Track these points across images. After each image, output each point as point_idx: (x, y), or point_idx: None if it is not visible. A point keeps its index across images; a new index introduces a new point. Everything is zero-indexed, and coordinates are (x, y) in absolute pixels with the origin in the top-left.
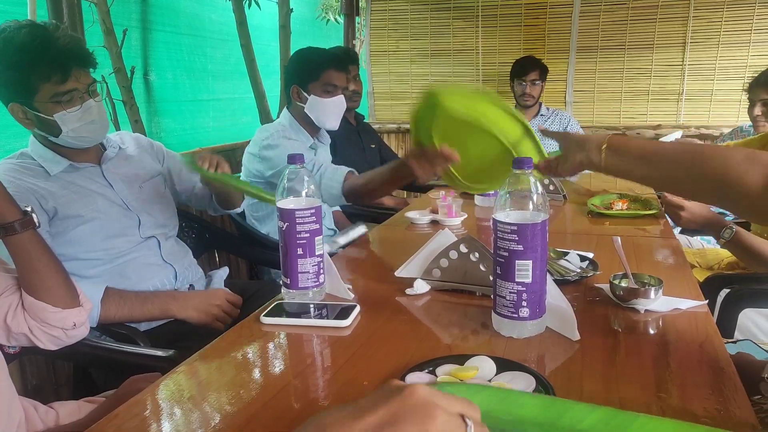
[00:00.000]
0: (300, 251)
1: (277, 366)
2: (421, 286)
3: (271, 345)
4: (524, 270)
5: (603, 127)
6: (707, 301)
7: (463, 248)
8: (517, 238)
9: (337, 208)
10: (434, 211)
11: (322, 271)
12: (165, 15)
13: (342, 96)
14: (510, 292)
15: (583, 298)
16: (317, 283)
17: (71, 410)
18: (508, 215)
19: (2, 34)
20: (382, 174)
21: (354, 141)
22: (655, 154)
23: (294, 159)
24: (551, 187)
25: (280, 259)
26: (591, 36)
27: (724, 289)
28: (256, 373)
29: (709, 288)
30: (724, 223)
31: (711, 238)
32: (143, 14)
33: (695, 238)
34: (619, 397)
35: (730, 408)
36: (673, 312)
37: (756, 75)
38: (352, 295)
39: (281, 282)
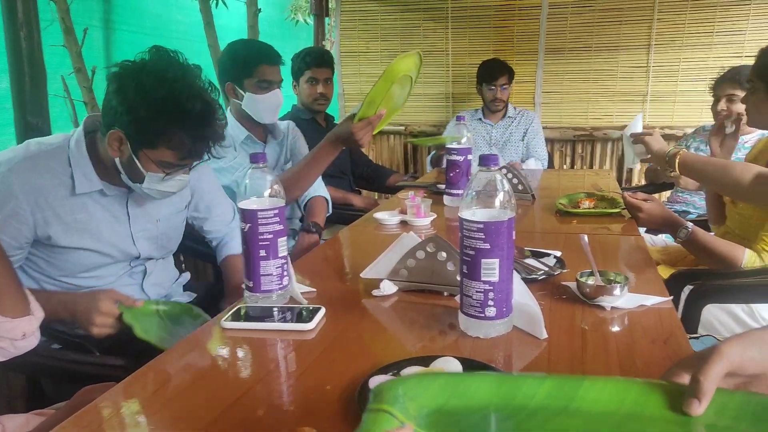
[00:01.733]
0: (263, 253)
1: (238, 372)
2: (387, 287)
3: (231, 350)
4: (491, 269)
5: (571, 128)
6: (671, 297)
7: (430, 248)
8: (483, 237)
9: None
10: (403, 212)
11: (285, 273)
12: (128, 14)
13: (278, 90)
14: (476, 291)
15: (550, 296)
16: (281, 285)
17: (19, 424)
18: (474, 213)
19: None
20: (304, 159)
21: None
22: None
23: (256, 158)
24: (520, 187)
25: (243, 262)
26: (559, 38)
27: (688, 286)
28: (216, 380)
29: (673, 284)
30: (681, 223)
31: None
32: (106, 13)
33: (659, 236)
34: None
35: None
36: (639, 309)
37: (720, 74)
38: (305, 301)
39: (243, 285)
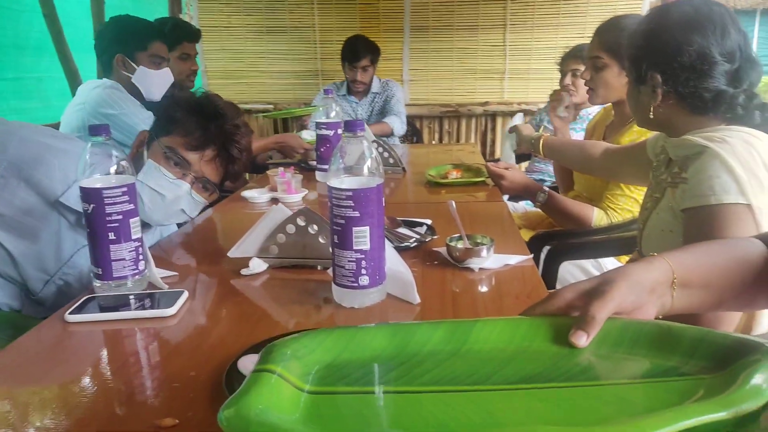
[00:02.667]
0: (112, 236)
1: (88, 368)
2: (257, 265)
3: (79, 345)
4: (362, 236)
5: (437, 104)
6: (532, 255)
7: (300, 221)
8: (353, 204)
9: None
10: (273, 189)
11: (141, 257)
12: None
13: (168, 69)
14: (349, 261)
15: (422, 262)
16: (136, 271)
17: None
18: (342, 181)
19: None
20: None
21: None
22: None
23: (98, 130)
24: (391, 160)
25: (89, 247)
26: (422, 16)
27: (546, 246)
28: (61, 380)
29: (533, 246)
30: (539, 188)
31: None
32: None
33: (520, 203)
34: None
35: None
36: (504, 268)
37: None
38: (166, 286)
39: (92, 273)
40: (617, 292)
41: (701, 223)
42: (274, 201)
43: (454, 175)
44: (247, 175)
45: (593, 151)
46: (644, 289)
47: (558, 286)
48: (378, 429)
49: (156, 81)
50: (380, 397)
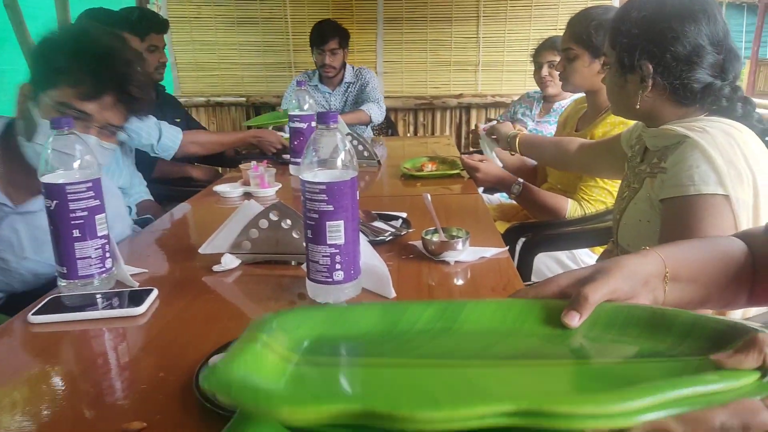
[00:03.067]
0: (77, 233)
1: (53, 371)
2: (229, 261)
3: (43, 348)
4: (336, 231)
5: (412, 97)
6: (508, 247)
7: (273, 216)
8: (326, 198)
9: (148, 196)
10: (246, 183)
11: (108, 254)
12: None
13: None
14: (323, 256)
15: (398, 256)
16: (103, 269)
17: None
18: (315, 175)
19: None
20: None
21: (155, 116)
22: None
23: (60, 123)
24: (365, 153)
25: (52, 245)
26: (396, 7)
27: (521, 238)
28: (24, 384)
29: (508, 237)
30: (513, 180)
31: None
32: None
33: (495, 195)
34: None
35: None
36: (480, 260)
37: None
38: (136, 283)
39: (56, 272)
40: (612, 279)
41: (679, 213)
42: (247, 195)
43: (429, 168)
44: (219, 168)
45: (569, 147)
46: (639, 280)
47: (533, 278)
48: (363, 395)
49: None
50: (368, 368)
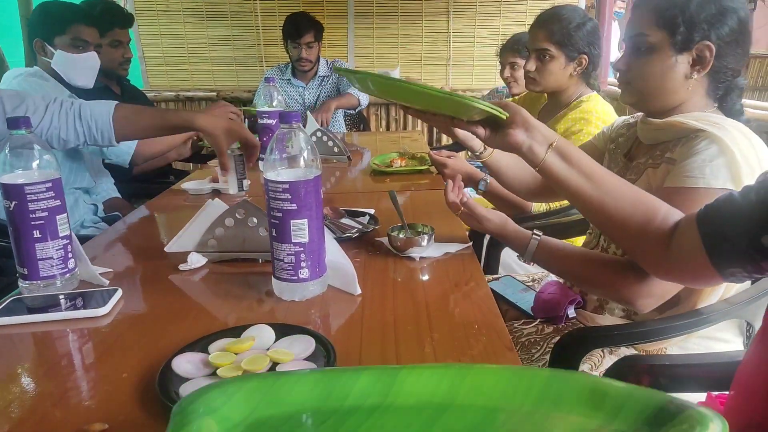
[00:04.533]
0: (37, 234)
1: (16, 373)
2: (196, 260)
3: (5, 349)
4: (300, 229)
5: None
6: (471, 243)
7: (239, 214)
8: (290, 197)
9: (116, 193)
10: (215, 180)
11: (71, 255)
12: None
13: (94, 53)
14: (288, 254)
15: (364, 253)
16: (66, 269)
17: None
18: (279, 174)
19: None
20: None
21: None
22: (599, 177)
23: (17, 123)
24: (336, 149)
25: (12, 246)
26: (367, 2)
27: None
28: None
29: (476, 232)
30: (481, 176)
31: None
32: None
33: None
34: (395, 340)
35: (490, 333)
36: (444, 256)
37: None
38: (106, 282)
39: (17, 274)
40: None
41: (683, 202)
42: (216, 192)
43: (399, 164)
44: (191, 165)
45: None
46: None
47: (501, 271)
48: None
49: (76, 65)
50: None
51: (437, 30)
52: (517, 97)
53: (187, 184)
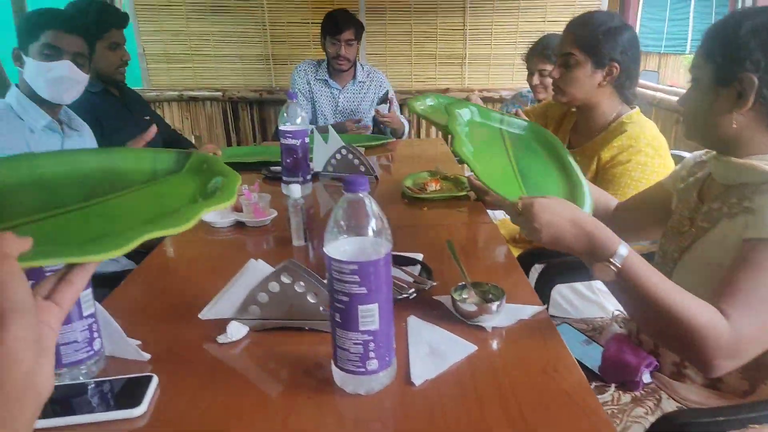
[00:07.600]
0: None
1: None
2: (236, 331)
3: None
4: (369, 316)
5: (397, 91)
6: (546, 306)
7: (285, 278)
8: (358, 280)
9: None
10: (237, 210)
11: (96, 334)
12: None
13: (67, 62)
14: (354, 344)
15: (423, 316)
16: (91, 352)
17: None
18: (344, 252)
19: None
20: None
21: (123, 116)
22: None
23: None
24: (362, 168)
25: None
26: None
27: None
28: None
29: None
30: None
31: None
32: None
33: (498, 211)
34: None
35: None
36: (517, 324)
37: (531, 43)
38: (147, 356)
39: None
40: None
41: (763, 256)
42: (240, 225)
43: (433, 187)
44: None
45: (602, 214)
46: None
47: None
48: None
49: (45, 76)
50: None
51: (452, 26)
52: (537, 105)
53: (207, 216)
